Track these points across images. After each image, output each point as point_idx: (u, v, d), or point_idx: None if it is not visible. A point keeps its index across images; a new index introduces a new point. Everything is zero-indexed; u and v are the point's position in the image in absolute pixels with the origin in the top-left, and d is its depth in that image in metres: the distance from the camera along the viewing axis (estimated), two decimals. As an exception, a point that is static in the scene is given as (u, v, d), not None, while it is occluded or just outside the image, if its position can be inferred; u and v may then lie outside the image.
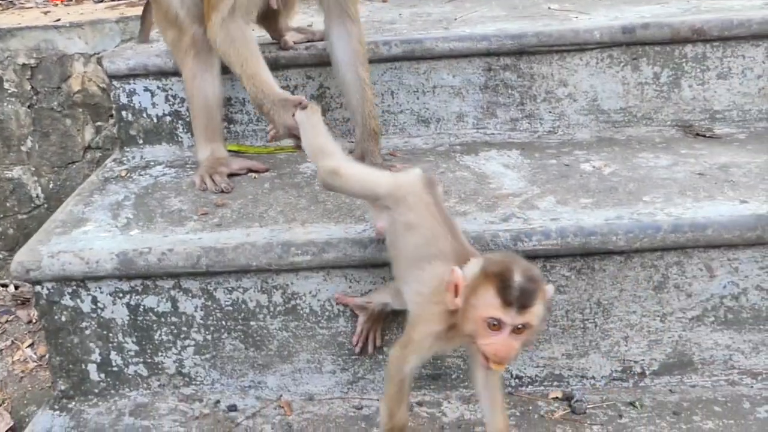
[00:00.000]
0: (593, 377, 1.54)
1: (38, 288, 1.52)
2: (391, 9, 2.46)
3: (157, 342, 1.55)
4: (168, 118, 1.99)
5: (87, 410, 1.55)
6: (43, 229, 1.62)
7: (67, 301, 1.53)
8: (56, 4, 2.88)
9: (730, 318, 1.51)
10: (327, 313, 1.51)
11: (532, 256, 1.46)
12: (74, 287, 1.52)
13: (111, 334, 1.55)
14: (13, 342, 2.12)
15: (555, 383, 1.54)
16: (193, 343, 1.54)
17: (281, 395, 1.55)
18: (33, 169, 2.50)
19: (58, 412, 1.55)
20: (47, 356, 1.65)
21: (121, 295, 1.52)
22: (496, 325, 1.11)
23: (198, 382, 1.56)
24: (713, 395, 1.50)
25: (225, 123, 1.95)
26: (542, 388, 1.54)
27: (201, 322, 1.53)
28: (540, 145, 1.92)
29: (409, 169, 1.39)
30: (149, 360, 1.56)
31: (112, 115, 2.39)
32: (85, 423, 1.51)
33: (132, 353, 1.56)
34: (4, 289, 2.43)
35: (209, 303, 1.52)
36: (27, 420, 1.82)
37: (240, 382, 1.56)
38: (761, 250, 1.47)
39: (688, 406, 1.46)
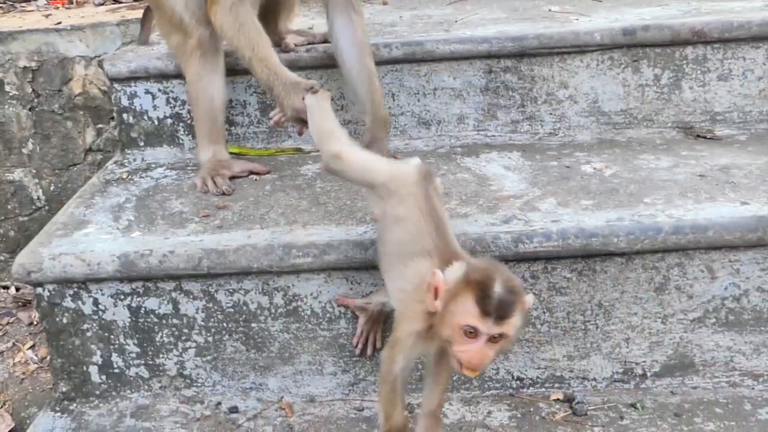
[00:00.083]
0: (594, 379, 1.53)
1: (39, 290, 1.53)
2: (391, 11, 2.47)
3: (158, 344, 1.55)
4: (169, 121, 2.00)
5: (88, 412, 1.55)
6: (45, 231, 1.62)
7: (68, 303, 1.53)
8: (57, 7, 2.88)
9: (732, 319, 1.51)
10: (328, 315, 1.51)
11: (533, 258, 1.46)
12: (75, 289, 1.52)
13: (112, 336, 1.55)
14: (14, 344, 2.12)
15: (556, 385, 1.54)
16: (194, 344, 1.54)
17: (282, 397, 1.55)
18: (34, 171, 2.50)
19: (59, 413, 1.55)
20: (48, 358, 1.65)
21: (122, 297, 1.52)
22: (472, 333, 1.11)
23: (199, 384, 1.56)
24: (714, 397, 1.50)
25: (226, 125, 1.95)
26: (543, 389, 1.54)
27: (202, 324, 1.53)
28: (541, 146, 1.92)
29: (408, 160, 1.39)
30: (150, 362, 1.56)
31: (113, 118, 2.39)
32: (87, 425, 1.51)
33: (133, 355, 1.56)
34: (5, 291, 2.43)
35: (210, 305, 1.52)
36: (28, 422, 1.82)
37: (241, 383, 1.56)
38: (762, 251, 1.47)
39: (690, 408, 1.46)
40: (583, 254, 1.46)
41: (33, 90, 2.42)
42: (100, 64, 2.01)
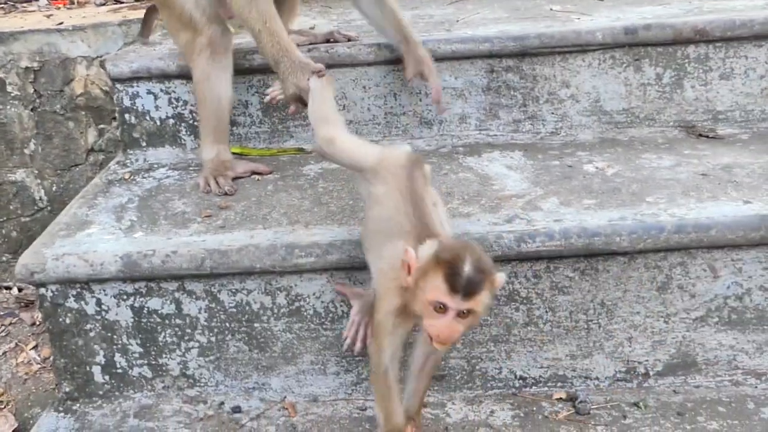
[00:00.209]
0: (597, 378, 1.54)
1: (43, 290, 1.53)
2: (393, 11, 2.46)
3: (161, 344, 1.55)
4: (171, 121, 2.00)
5: (91, 412, 1.55)
6: (47, 231, 1.63)
7: (71, 303, 1.53)
8: (59, 7, 2.88)
9: (734, 318, 1.51)
10: (331, 315, 1.52)
11: (535, 258, 1.47)
12: (78, 289, 1.52)
13: (115, 336, 1.55)
14: (16, 344, 2.12)
15: (559, 384, 1.54)
16: (197, 344, 1.55)
17: (285, 397, 1.55)
18: (36, 171, 2.51)
19: (62, 413, 1.55)
20: (52, 358, 1.65)
21: (125, 297, 1.53)
22: (441, 309, 1.14)
23: (202, 384, 1.57)
24: (717, 396, 1.50)
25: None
26: (546, 388, 1.54)
27: (205, 323, 1.53)
28: (543, 146, 1.92)
29: (398, 146, 1.42)
30: (153, 362, 1.56)
31: (114, 118, 2.39)
32: (90, 425, 1.51)
33: (136, 355, 1.56)
34: (8, 291, 2.43)
35: (213, 305, 1.52)
36: (31, 422, 1.83)
37: (244, 383, 1.56)
38: (765, 250, 1.47)
39: (692, 407, 1.46)
40: (585, 253, 1.46)
41: (35, 90, 2.43)
42: (102, 65, 2.01)
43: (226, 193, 1.73)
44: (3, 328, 2.21)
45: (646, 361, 1.53)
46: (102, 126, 2.46)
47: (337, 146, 1.43)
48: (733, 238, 1.45)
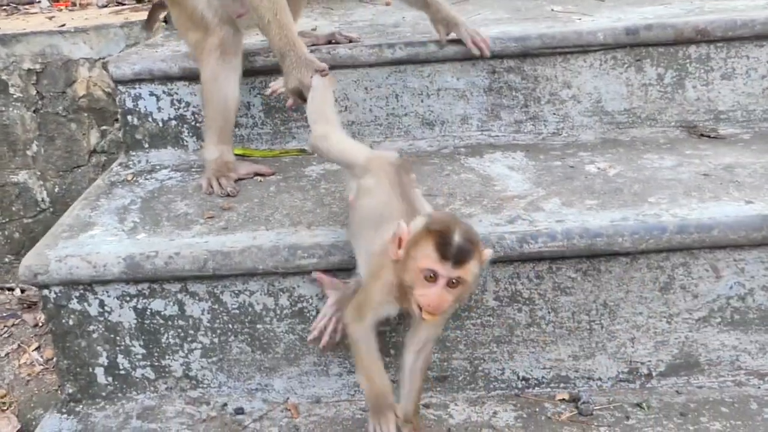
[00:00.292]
0: (600, 378, 1.54)
1: (46, 292, 1.53)
2: (394, 12, 2.47)
3: (164, 345, 1.55)
4: (173, 123, 2.00)
5: (94, 413, 1.55)
6: (51, 233, 1.63)
7: (74, 304, 1.54)
8: (61, 9, 2.89)
9: (737, 319, 1.51)
10: (333, 316, 1.52)
11: (537, 258, 1.47)
12: (81, 291, 1.53)
13: (118, 338, 1.55)
14: (19, 345, 2.13)
15: (562, 385, 1.54)
16: (200, 346, 1.55)
17: (288, 398, 1.55)
18: (38, 173, 2.51)
19: (65, 415, 1.56)
20: (55, 360, 1.65)
21: (128, 298, 1.53)
22: (432, 277, 1.17)
23: (205, 385, 1.57)
24: (720, 396, 1.50)
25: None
26: (549, 389, 1.54)
27: (208, 325, 1.53)
28: (544, 146, 1.92)
29: (388, 150, 1.48)
30: (156, 363, 1.56)
31: (117, 120, 2.40)
32: (93, 426, 1.52)
33: (139, 356, 1.56)
34: (10, 292, 2.44)
35: (216, 306, 1.52)
36: (34, 423, 1.83)
37: (247, 385, 1.56)
38: (767, 250, 1.46)
39: (695, 407, 1.46)
40: (587, 254, 1.47)
41: (37, 92, 2.43)
42: (104, 66, 2.01)
43: (228, 195, 1.73)
44: (6, 329, 2.22)
45: (649, 361, 1.53)
46: (104, 127, 2.46)
47: (330, 142, 1.48)
48: (735, 239, 1.45)
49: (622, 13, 2.14)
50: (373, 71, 1.95)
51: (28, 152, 2.49)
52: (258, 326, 1.53)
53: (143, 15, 2.51)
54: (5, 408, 1.88)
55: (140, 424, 1.51)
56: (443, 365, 1.53)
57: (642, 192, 1.60)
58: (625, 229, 1.45)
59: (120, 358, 1.56)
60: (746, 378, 1.53)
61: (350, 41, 2.00)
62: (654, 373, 1.53)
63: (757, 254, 1.47)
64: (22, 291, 2.42)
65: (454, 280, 1.17)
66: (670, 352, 1.52)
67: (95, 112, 2.44)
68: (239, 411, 1.52)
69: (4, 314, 2.30)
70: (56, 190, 2.53)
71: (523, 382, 1.54)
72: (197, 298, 1.52)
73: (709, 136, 1.92)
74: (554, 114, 1.98)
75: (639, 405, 1.48)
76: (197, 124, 1.99)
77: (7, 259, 2.58)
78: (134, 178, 1.90)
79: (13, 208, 2.55)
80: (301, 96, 1.62)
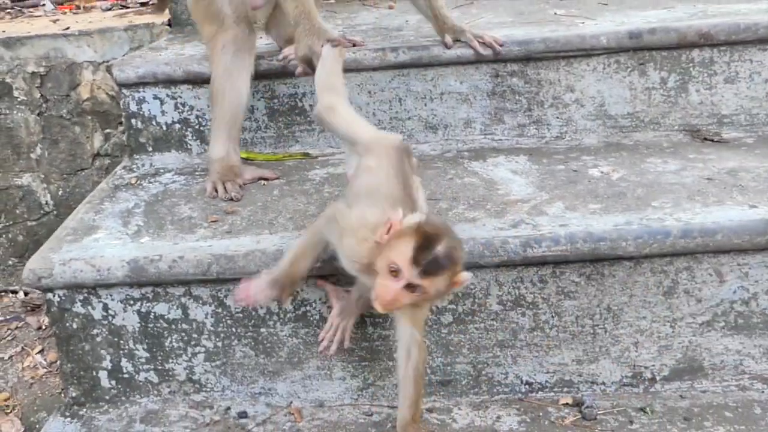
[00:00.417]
0: (603, 383, 1.53)
1: (50, 295, 1.53)
2: (397, 16, 2.47)
3: (167, 349, 1.55)
4: (177, 126, 2.00)
5: (98, 417, 1.56)
6: (55, 236, 1.63)
7: (78, 308, 1.54)
8: (65, 12, 2.90)
9: (741, 323, 1.50)
10: (337, 320, 1.52)
11: (541, 263, 1.47)
12: (85, 294, 1.53)
13: (122, 341, 1.55)
14: (23, 348, 2.13)
15: (565, 389, 1.54)
16: (203, 349, 1.55)
17: (291, 402, 1.55)
18: (42, 176, 2.52)
19: (69, 418, 1.56)
20: (58, 363, 1.66)
21: (132, 302, 1.53)
22: (395, 273, 1.17)
23: (208, 389, 1.57)
24: (724, 401, 1.49)
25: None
26: (552, 394, 1.54)
27: (211, 329, 1.54)
28: (548, 150, 1.92)
29: (391, 133, 1.50)
30: (160, 367, 1.56)
31: (120, 123, 2.40)
32: (96, 430, 1.52)
33: (143, 360, 1.56)
34: (14, 295, 2.45)
35: (220, 310, 1.52)
36: (37, 426, 1.83)
37: (250, 388, 1.56)
38: (771, 255, 1.47)
39: (699, 412, 1.46)
40: (591, 258, 1.46)
41: (41, 95, 2.44)
42: (108, 70, 2.02)
43: (231, 199, 1.73)
44: (9, 332, 2.22)
45: (653, 365, 1.52)
46: (108, 131, 2.47)
47: (336, 115, 1.48)
48: (739, 243, 1.45)
49: (626, 16, 2.14)
50: (376, 75, 1.95)
51: (32, 155, 2.50)
52: (261, 330, 1.53)
53: (147, 18, 2.52)
54: (9, 411, 1.89)
55: (143, 428, 1.51)
56: (446, 369, 1.53)
57: (645, 196, 1.60)
58: (629, 234, 1.45)
59: (123, 362, 1.57)
60: (750, 382, 1.52)
61: (354, 45, 2.00)
62: (658, 378, 1.53)
63: (761, 258, 1.47)
64: (26, 294, 2.42)
65: (415, 286, 1.17)
66: (673, 356, 1.52)
67: (99, 115, 2.45)
68: (242, 415, 1.52)
69: (8, 317, 2.30)
70: (60, 193, 2.53)
71: (527, 386, 1.54)
72: (201, 301, 1.52)
73: (712, 140, 1.92)
74: (557, 118, 1.98)
75: (643, 409, 1.47)
76: (201, 128, 1.99)
77: (10, 262, 2.58)
78: (138, 182, 1.90)
79: (17, 211, 2.55)
80: (310, 65, 1.64)
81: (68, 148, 2.49)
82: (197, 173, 1.93)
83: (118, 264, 1.49)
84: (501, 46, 1.89)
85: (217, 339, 1.54)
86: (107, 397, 1.59)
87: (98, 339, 1.56)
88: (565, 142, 1.97)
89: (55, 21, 2.69)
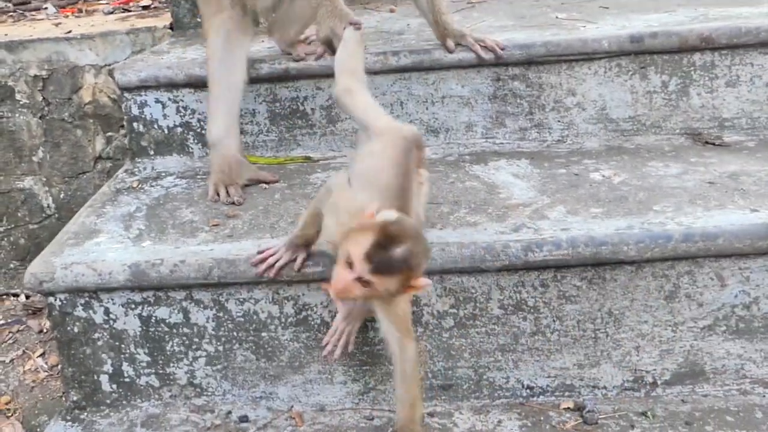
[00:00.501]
0: (605, 387, 1.53)
1: (51, 299, 1.54)
2: (399, 19, 2.47)
3: (168, 353, 1.55)
4: (179, 129, 2.01)
5: (99, 421, 1.56)
6: (56, 240, 1.64)
7: (79, 312, 1.54)
8: (67, 16, 2.91)
9: (742, 327, 1.50)
10: (338, 324, 1.52)
11: (543, 267, 1.47)
12: (87, 298, 1.53)
13: (123, 345, 1.56)
14: (24, 351, 2.13)
15: (566, 393, 1.53)
16: (204, 354, 1.55)
17: (292, 406, 1.55)
18: (44, 179, 2.52)
19: (70, 422, 1.56)
20: (59, 367, 1.66)
21: (133, 306, 1.53)
22: (350, 265, 1.19)
23: (209, 393, 1.57)
24: (725, 405, 1.49)
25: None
26: (554, 398, 1.53)
27: (213, 333, 1.54)
28: (549, 154, 1.92)
29: (406, 124, 1.51)
30: (161, 371, 1.57)
31: (122, 126, 2.41)
32: (98, 434, 1.52)
33: (144, 364, 1.56)
34: (15, 298, 2.45)
35: (221, 314, 1.53)
36: (38, 430, 1.83)
37: (251, 393, 1.56)
38: (773, 259, 1.46)
39: (701, 416, 1.46)
40: (592, 262, 1.46)
41: (43, 98, 2.45)
42: (110, 73, 2.03)
43: (233, 203, 1.73)
44: (11, 335, 2.22)
45: (654, 370, 1.52)
46: (110, 134, 2.47)
47: (354, 98, 1.49)
48: (740, 247, 1.44)
49: (627, 20, 2.14)
50: (378, 78, 1.95)
51: (34, 158, 2.50)
52: (263, 334, 1.53)
53: (149, 22, 2.53)
54: (10, 414, 1.89)
55: (145, 432, 1.51)
56: (447, 374, 1.53)
57: (647, 200, 1.60)
58: (630, 238, 1.45)
59: (125, 366, 1.57)
60: (751, 386, 1.52)
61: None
62: (659, 382, 1.53)
63: (763, 263, 1.47)
64: (27, 297, 2.43)
65: (365, 280, 1.18)
66: (675, 360, 1.52)
67: (101, 118, 2.46)
68: (243, 419, 1.52)
69: (9, 320, 2.30)
70: (62, 196, 2.54)
71: (528, 390, 1.54)
72: (202, 305, 1.52)
73: (713, 144, 1.92)
74: (559, 121, 1.98)
75: (644, 414, 1.47)
76: (202, 131, 2.00)
77: (12, 265, 2.59)
78: (140, 185, 1.91)
79: (19, 214, 2.56)
80: (330, 47, 1.66)
81: (70, 152, 2.49)
82: (199, 177, 1.93)
83: (119, 268, 1.49)
84: (502, 49, 1.90)
85: (218, 343, 1.54)
86: (108, 401, 1.59)
87: (99, 343, 1.56)
88: (567, 145, 1.97)
89: (57, 24, 2.70)
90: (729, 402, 1.50)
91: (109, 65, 2.37)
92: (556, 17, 2.28)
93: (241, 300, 1.51)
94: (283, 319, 1.52)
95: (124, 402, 1.58)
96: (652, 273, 1.48)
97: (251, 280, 1.48)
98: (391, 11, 2.64)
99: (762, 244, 1.44)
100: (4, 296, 2.47)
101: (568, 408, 1.50)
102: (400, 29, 2.28)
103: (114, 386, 1.58)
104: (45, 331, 2.22)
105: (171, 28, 2.51)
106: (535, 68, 1.95)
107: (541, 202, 1.63)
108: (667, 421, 1.45)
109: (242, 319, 1.53)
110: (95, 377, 1.58)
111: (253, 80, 1.94)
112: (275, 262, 1.44)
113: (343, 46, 1.59)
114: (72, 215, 1.79)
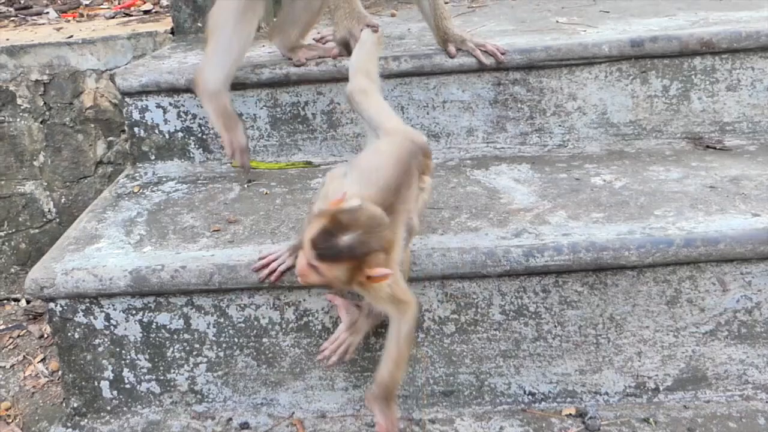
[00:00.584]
0: (607, 393, 1.53)
1: (52, 305, 1.53)
2: (399, 24, 2.47)
3: (169, 359, 1.55)
4: (180, 134, 2.01)
5: (99, 427, 1.55)
6: (57, 245, 1.63)
7: (80, 318, 1.54)
8: (68, 20, 2.91)
9: (744, 332, 1.50)
10: (339, 330, 1.51)
11: (544, 272, 1.46)
12: (87, 304, 1.53)
13: (124, 351, 1.55)
14: (24, 357, 2.13)
15: (568, 400, 1.53)
16: (205, 360, 1.55)
17: (293, 413, 1.55)
18: (45, 183, 2.52)
19: (70, 429, 1.56)
20: (60, 373, 1.65)
21: (133, 312, 1.53)
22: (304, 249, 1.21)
23: (210, 400, 1.57)
24: (728, 411, 1.49)
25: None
26: (555, 404, 1.53)
27: (213, 339, 1.53)
28: (550, 158, 1.92)
29: (416, 130, 1.53)
30: (162, 377, 1.56)
31: (123, 131, 2.41)
32: (99, 440, 1.52)
33: (144, 370, 1.56)
34: (16, 303, 2.44)
35: (222, 320, 1.52)
36: (39, 436, 1.83)
37: (252, 399, 1.56)
38: (775, 264, 1.46)
39: (703, 422, 1.46)
40: (594, 268, 1.46)
41: (44, 103, 2.44)
42: (112, 78, 2.02)
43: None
44: (11, 340, 2.22)
45: (656, 375, 1.52)
46: (111, 138, 2.47)
47: (368, 99, 1.50)
48: (742, 252, 1.44)
49: (627, 25, 2.14)
50: (378, 83, 1.95)
51: (35, 163, 2.50)
52: (264, 340, 1.53)
53: (150, 26, 2.53)
54: (10, 420, 1.88)
55: (145, 438, 1.51)
56: (449, 380, 1.53)
57: (648, 204, 1.60)
58: (632, 243, 1.45)
59: (125, 372, 1.56)
60: (754, 392, 1.52)
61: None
62: (661, 388, 1.52)
63: (764, 267, 1.46)
64: (28, 302, 2.42)
65: (313, 267, 1.20)
66: (677, 366, 1.51)
67: (102, 123, 2.45)
68: (244, 426, 1.52)
69: (10, 325, 2.30)
70: (63, 200, 2.53)
71: (530, 396, 1.53)
72: (203, 311, 1.52)
73: (714, 148, 1.91)
74: (560, 126, 1.98)
75: (646, 420, 1.47)
76: (204, 136, 2.00)
77: (13, 270, 2.58)
78: (141, 190, 1.91)
79: (20, 219, 2.55)
80: (347, 47, 1.68)
81: (71, 156, 2.49)
82: (200, 182, 1.93)
83: (120, 274, 1.49)
84: (503, 54, 1.90)
85: (219, 349, 1.54)
86: (109, 408, 1.58)
87: (100, 349, 1.55)
88: (568, 150, 1.97)
89: (58, 29, 2.70)
90: (731, 408, 1.49)
91: (111, 70, 2.37)
92: (557, 22, 2.28)
93: (242, 306, 1.51)
94: (284, 325, 1.52)
95: (125, 408, 1.58)
96: (653, 278, 1.47)
97: (252, 286, 1.48)
98: (392, 16, 2.64)
99: (764, 249, 1.44)
100: (5, 301, 2.46)
101: (570, 414, 1.50)
102: (401, 34, 2.28)
103: (114, 392, 1.58)
104: (46, 336, 2.21)
105: (172, 32, 2.51)
106: (535, 73, 1.95)
107: (542, 207, 1.62)
108: (670, 427, 1.45)
109: (243, 325, 1.52)
110: (96, 383, 1.58)
111: (255, 85, 1.94)
112: (277, 268, 1.44)
113: (360, 46, 1.61)
114: (73, 220, 1.79)
